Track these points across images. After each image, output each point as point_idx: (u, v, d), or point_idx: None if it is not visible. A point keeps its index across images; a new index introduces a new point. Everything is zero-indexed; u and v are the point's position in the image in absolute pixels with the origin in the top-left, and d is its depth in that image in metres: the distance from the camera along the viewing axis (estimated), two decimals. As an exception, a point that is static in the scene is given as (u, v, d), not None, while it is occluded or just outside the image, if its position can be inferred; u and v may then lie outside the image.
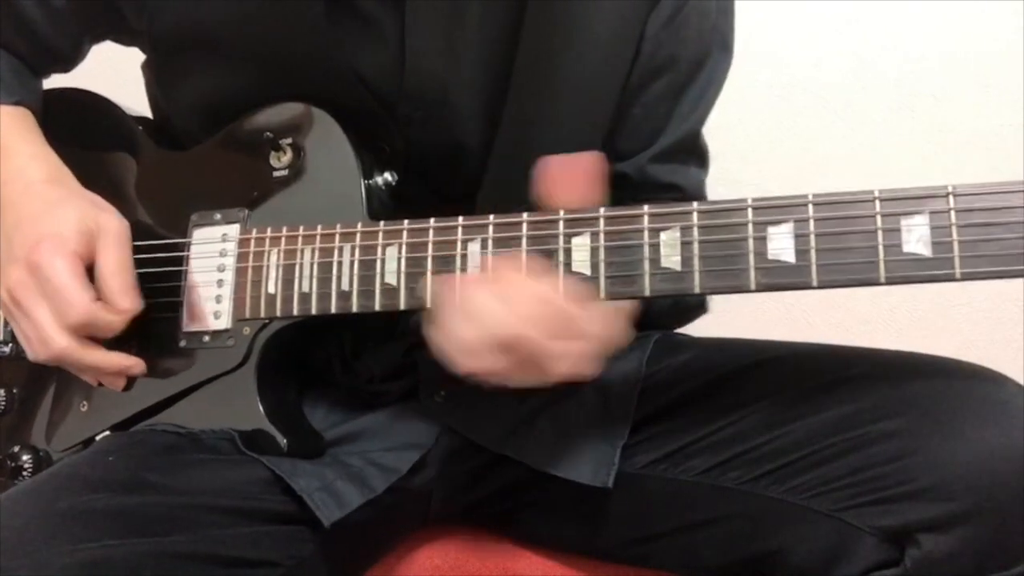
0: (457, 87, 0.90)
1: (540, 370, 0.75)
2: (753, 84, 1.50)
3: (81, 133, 1.02)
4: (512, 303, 0.73)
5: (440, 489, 0.96)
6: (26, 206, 0.89)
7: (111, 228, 0.88)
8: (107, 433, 0.93)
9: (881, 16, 1.50)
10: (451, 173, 0.92)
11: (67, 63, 1.05)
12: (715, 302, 1.46)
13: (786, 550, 0.82)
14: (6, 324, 1.01)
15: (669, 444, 0.89)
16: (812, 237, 0.65)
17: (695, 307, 1.03)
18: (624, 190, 1.00)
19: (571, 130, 0.96)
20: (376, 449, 0.92)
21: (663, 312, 0.98)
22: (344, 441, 0.93)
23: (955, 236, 0.60)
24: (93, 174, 0.96)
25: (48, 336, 0.84)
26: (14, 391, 1.01)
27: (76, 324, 0.84)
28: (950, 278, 0.60)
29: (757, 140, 1.52)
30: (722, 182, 1.41)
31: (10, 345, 1.01)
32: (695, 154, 1.04)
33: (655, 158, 0.99)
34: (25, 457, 0.97)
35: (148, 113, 1.08)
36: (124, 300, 0.86)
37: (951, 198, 0.61)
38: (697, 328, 1.06)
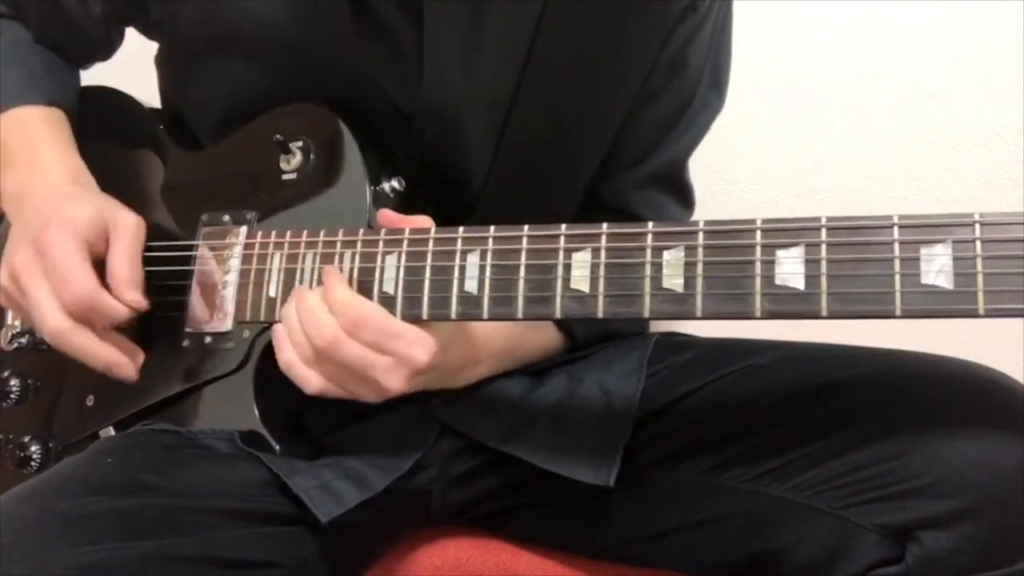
0: (472, 108, 0.85)
1: (364, 380, 0.73)
2: (753, 84, 1.42)
3: (105, 130, 0.97)
4: (333, 313, 0.72)
5: (440, 489, 0.91)
6: (44, 197, 0.84)
7: (127, 222, 0.82)
8: (110, 431, 0.88)
9: (881, 16, 1.42)
10: (453, 194, 0.87)
11: (103, 50, 1.01)
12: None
13: (788, 548, 0.78)
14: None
15: (671, 443, 0.84)
16: (824, 263, 0.57)
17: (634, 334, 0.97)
18: (593, 212, 0.95)
19: (573, 161, 0.91)
20: (375, 451, 0.86)
21: (589, 343, 0.94)
22: (343, 445, 0.87)
23: (980, 268, 0.52)
24: (112, 170, 0.92)
25: (43, 314, 0.78)
26: (29, 381, 0.95)
27: (72, 303, 0.78)
28: (972, 314, 0.52)
29: (756, 140, 1.45)
30: (720, 182, 1.34)
31: (27, 336, 0.95)
32: (676, 188, 0.99)
33: (636, 184, 0.94)
34: (34, 448, 0.92)
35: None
36: (129, 292, 0.80)
37: (977, 227, 0.53)
38: (698, 328, 0.99)
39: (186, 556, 0.70)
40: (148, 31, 0.96)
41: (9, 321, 0.97)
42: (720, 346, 0.90)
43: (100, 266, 0.81)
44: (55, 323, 0.79)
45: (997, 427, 0.69)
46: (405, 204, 0.83)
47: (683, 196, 1.00)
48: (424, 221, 0.76)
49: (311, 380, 0.75)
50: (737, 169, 1.43)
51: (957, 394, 0.73)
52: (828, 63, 1.43)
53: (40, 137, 0.89)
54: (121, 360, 0.82)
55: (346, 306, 0.72)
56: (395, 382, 0.73)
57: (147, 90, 1.01)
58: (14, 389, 0.95)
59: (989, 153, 1.40)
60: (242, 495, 0.77)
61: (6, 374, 0.95)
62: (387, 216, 0.77)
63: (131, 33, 1.01)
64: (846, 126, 1.43)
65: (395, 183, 0.83)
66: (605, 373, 0.89)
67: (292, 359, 0.75)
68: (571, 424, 0.87)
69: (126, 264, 0.81)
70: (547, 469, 0.84)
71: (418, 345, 0.72)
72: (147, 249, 0.85)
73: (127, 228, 0.82)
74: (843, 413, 0.76)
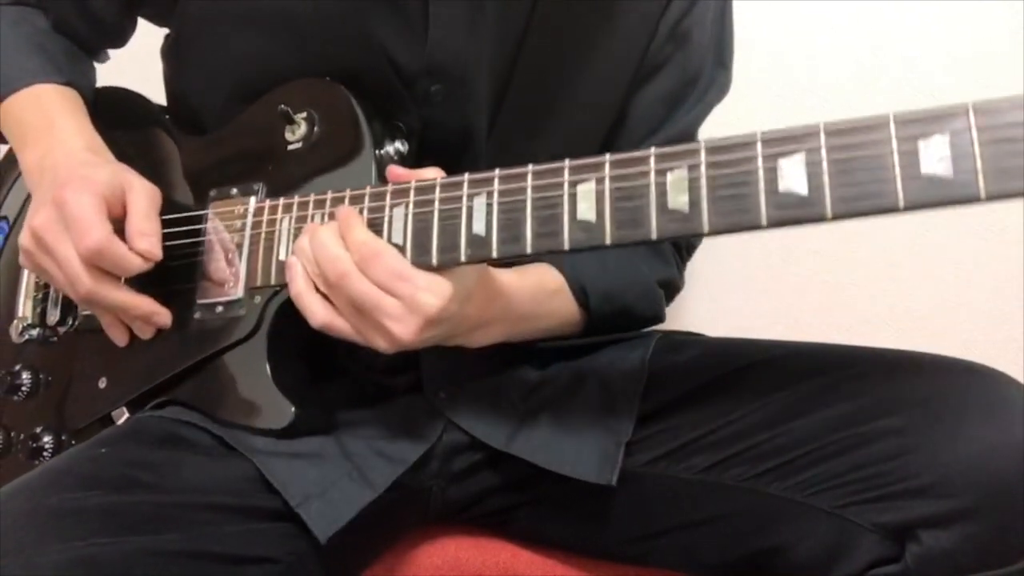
0: (477, 66, 0.86)
1: (375, 324, 0.73)
2: (753, 84, 1.44)
3: (115, 124, 0.99)
4: (348, 248, 0.74)
5: (440, 486, 0.92)
6: (64, 165, 0.86)
7: (143, 185, 0.85)
8: (124, 412, 0.89)
9: (881, 16, 1.44)
10: (456, 158, 0.88)
11: (117, 37, 1.03)
12: (715, 303, 1.42)
13: (787, 547, 0.78)
14: (35, 307, 0.98)
15: (670, 442, 0.85)
16: (824, 165, 0.58)
17: (648, 318, 0.97)
18: None
19: (574, 128, 0.92)
20: (382, 438, 0.87)
21: (604, 317, 0.93)
22: (351, 426, 0.88)
23: (977, 153, 0.53)
24: (124, 159, 0.92)
25: (73, 274, 0.81)
26: (40, 375, 0.97)
27: (86, 252, 0.80)
28: (974, 198, 0.53)
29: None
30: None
31: (38, 329, 0.97)
32: None
33: None
34: (46, 439, 0.93)
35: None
36: (143, 241, 0.81)
37: (971, 114, 0.54)
38: (698, 328, 1.01)
39: (178, 551, 0.71)
40: (159, 16, 0.99)
41: (20, 313, 0.99)
42: (721, 346, 0.91)
43: (120, 232, 0.83)
44: (87, 282, 0.81)
45: (997, 427, 0.70)
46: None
47: None
48: (432, 172, 0.77)
49: (318, 311, 0.75)
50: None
51: (957, 394, 0.73)
52: (828, 63, 1.44)
53: (57, 112, 0.92)
54: (158, 307, 0.85)
55: (363, 244, 0.73)
56: (403, 330, 0.73)
57: (152, 92, 1.04)
58: (25, 382, 0.96)
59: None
60: (236, 491, 0.78)
61: (17, 367, 0.96)
62: (395, 172, 0.78)
63: (136, 38, 1.05)
64: (847, 126, 1.45)
65: (399, 145, 0.84)
66: (607, 372, 0.90)
67: (303, 289, 0.76)
68: (573, 423, 0.87)
69: (142, 218, 0.82)
70: (549, 469, 0.84)
71: (428, 292, 0.72)
72: None
73: (143, 190, 0.84)
74: (843, 413, 0.76)
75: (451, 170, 0.77)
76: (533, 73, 0.87)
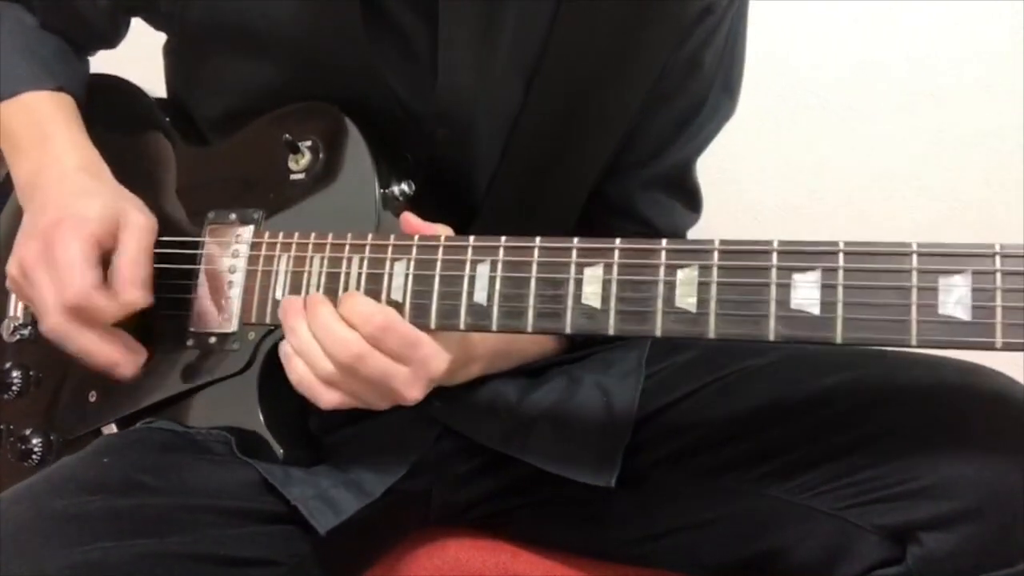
0: (485, 111, 0.84)
1: (384, 392, 0.72)
2: (753, 84, 1.39)
3: (111, 120, 0.96)
4: (355, 325, 0.71)
5: (440, 490, 0.91)
6: (56, 191, 0.83)
7: (137, 221, 0.82)
8: (112, 427, 0.87)
9: (882, 16, 1.41)
10: (460, 195, 0.86)
11: (108, 39, 0.99)
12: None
13: (788, 549, 0.78)
14: (26, 306, 0.96)
15: (670, 444, 0.84)
16: (840, 289, 0.56)
17: None
18: (599, 213, 0.94)
19: (578, 168, 0.90)
20: (373, 453, 0.86)
21: (586, 343, 0.93)
22: (341, 447, 0.86)
23: (999, 301, 0.51)
24: (119, 161, 0.90)
25: (45, 309, 0.79)
26: (31, 373, 0.95)
27: (70, 304, 0.78)
28: (989, 347, 0.52)
29: (757, 140, 1.44)
30: (722, 183, 1.34)
31: (29, 328, 0.94)
32: (684, 190, 0.97)
33: (643, 185, 0.93)
34: (35, 441, 0.92)
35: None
36: (131, 291, 0.79)
37: (997, 258, 0.52)
38: None
39: (183, 554, 0.70)
40: (156, 23, 0.94)
41: (12, 312, 0.96)
42: (720, 347, 0.88)
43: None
44: (52, 322, 0.79)
45: (998, 428, 0.69)
46: (411, 206, 0.82)
47: (690, 199, 0.98)
48: (444, 230, 0.75)
49: (326, 396, 0.73)
50: (737, 169, 1.42)
51: (958, 395, 0.73)
52: (829, 63, 1.43)
53: (51, 123, 0.88)
54: (119, 360, 0.82)
55: (372, 315, 0.71)
56: (413, 393, 0.72)
57: (152, 79, 1.00)
58: (16, 381, 0.94)
59: (989, 153, 1.40)
60: (239, 495, 0.77)
61: (8, 365, 0.95)
62: (409, 221, 0.76)
63: (138, 22, 0.99)
64: (847, 126, 1.43)
65: (405, 187, 0.82)
66: (604, 374, 0.89)
67: (312, 381, 0.73)
68: (571, 425, 0.86)
69: (130, 263, 0.80)
70: (548, 471, 0.83)
71: (437, 356, 0.72)
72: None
73: (136, 228, 0.81)
74: (843, 414, 0.76)
75: (454, 206, 0.76)
76: (545, 113, 0.85)
